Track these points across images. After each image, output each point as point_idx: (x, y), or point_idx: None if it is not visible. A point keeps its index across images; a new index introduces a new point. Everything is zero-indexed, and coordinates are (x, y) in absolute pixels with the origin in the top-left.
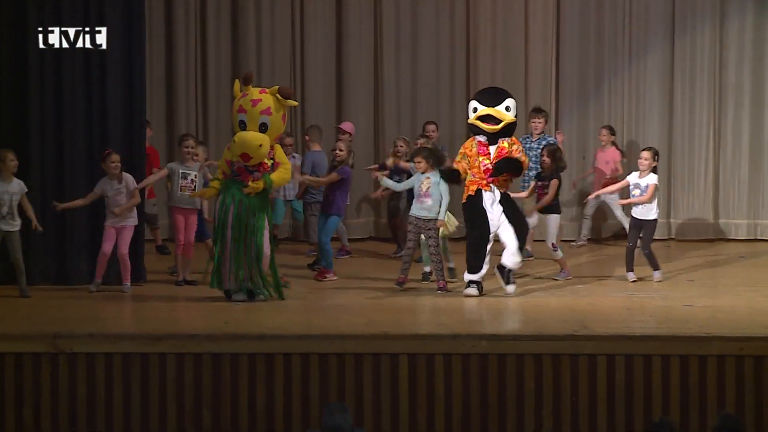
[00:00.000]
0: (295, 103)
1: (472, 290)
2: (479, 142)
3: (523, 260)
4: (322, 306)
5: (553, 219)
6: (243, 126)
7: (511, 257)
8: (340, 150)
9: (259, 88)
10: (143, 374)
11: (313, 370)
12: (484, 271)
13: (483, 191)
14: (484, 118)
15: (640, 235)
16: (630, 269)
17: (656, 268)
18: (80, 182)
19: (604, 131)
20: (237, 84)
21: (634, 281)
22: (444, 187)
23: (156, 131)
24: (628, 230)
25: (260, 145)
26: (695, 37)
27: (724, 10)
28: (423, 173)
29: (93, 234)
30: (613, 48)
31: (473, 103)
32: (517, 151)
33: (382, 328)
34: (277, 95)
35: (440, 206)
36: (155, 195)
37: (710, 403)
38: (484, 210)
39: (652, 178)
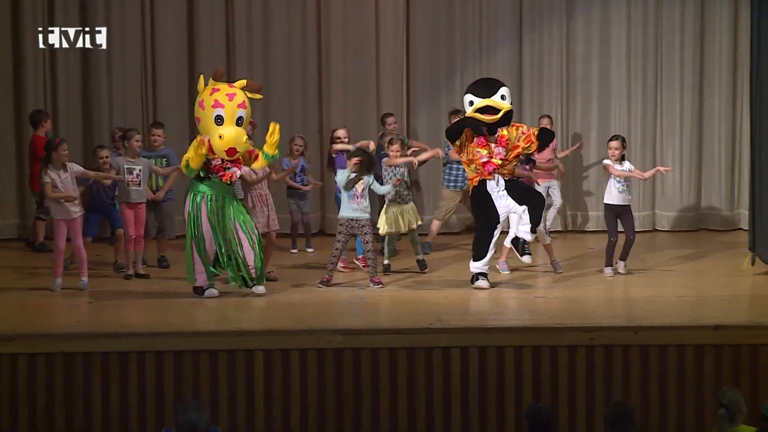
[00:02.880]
0: (260, 96)
1: (483, 282)
2: (478, 137)
3: (534, 233)
4: (177, 303)
5: None
6: (220, 121)
7: (524, 227)
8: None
9: (227, 83)
10: None
11: (167, 367)
12: (488, 257)
13: (486, 180)
14: (483, 110)
15: (620, 226)
16: (609, 264)
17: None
18: None
19: (546, 120)
20: (201, 79)
21: (611, 276)
22: (375, 186)
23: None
24: (606, 223)
25: (245, 140)
26: (543, 32)
27: (571, 5)
28: (355, 173)
29: None
30: (463, 43)
31: (468, 97)
32: (523, 132)
33: (237, 325)
34: (245, 90)
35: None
36: None
37: (561, 393)
38: (491, 198)
39: (628, 164)
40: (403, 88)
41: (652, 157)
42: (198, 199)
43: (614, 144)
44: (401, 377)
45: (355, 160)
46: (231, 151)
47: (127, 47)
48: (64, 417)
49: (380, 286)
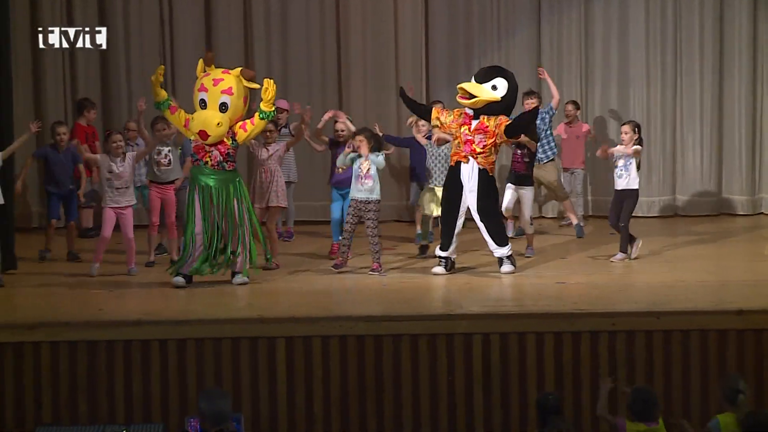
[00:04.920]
0: (257, 86)
1: (438, 269)
2: (465, 113)
3: (510, 257)
4: (199, 291)
5: (528, 191)
6: (203, 105)
7: (495, 252)
8: (342, 130)
9: (222, 69)
10: (17, 363)
11: (189, 355)
12: (452, 248)
13: (461, 163)
14: (459, 90)
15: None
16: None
17: (624, 249)
18: None
19: (570, 106)
20: (201, 64)
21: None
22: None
23: (24, 113)
24: (610, 207)
25: (218, 124)
26: (562, 15)
27: None
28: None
29: None
30: (481, 27)
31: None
32: (499, 122)
33: (259, 312)
34: (240, 76)
35: (379, 186)
36: (90, 173)
37: (584, 378)
38: (461, 184)
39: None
40: (423, 74)
41: (672, 141)
42: (192, 189)
43: (626, 128)
44: (423, 363)
45: (360, 138)
46: (202, 134)
47: (146, 36)
48: (87, 406)
49: (378, 273)
